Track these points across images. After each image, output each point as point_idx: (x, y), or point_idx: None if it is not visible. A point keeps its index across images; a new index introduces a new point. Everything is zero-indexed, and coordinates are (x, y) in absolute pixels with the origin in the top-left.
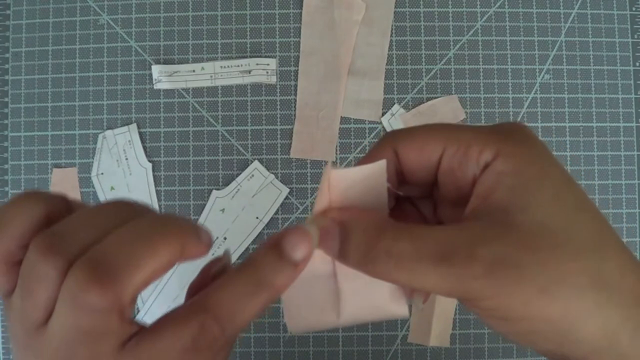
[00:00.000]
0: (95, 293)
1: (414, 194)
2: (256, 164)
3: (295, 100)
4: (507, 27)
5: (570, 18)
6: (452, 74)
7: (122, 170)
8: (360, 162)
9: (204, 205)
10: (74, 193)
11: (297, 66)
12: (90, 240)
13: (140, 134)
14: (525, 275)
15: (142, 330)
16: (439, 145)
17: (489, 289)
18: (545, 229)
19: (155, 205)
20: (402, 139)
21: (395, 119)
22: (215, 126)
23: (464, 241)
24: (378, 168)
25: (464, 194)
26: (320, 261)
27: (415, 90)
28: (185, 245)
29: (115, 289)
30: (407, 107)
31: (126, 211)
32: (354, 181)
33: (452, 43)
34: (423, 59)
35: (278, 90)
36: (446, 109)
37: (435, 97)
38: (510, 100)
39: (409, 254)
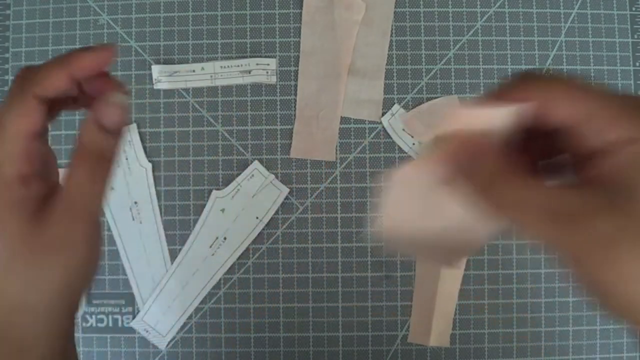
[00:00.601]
0: None
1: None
2: (256, 164)
3: (295, 100)
4: (507, 27)
5: (570, 18)
6: (452, 74)
7: (122, 170)
8: (493, 95)
9: (204, 205)
10: None
11: (297, 66)
12: None
13: (140, 134)
14: None
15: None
16: (588, 108)
17: (600, 264)
18: None
19: (155, 206)
20: (549, 89)
21: (395, 119)
22: (215, 126)
23: (588, 206)
24: (513, 112)
25: (582, 156)
26: (426, 173)
27: (415, 90)
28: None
29: None
30: (407, 107)
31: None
32: (487, 119)
33: (452, 43)
34: (423, 59)
35: (278, 90)
36: (446, 109)
37: (435, 97)
38: None
39: (528, 203)
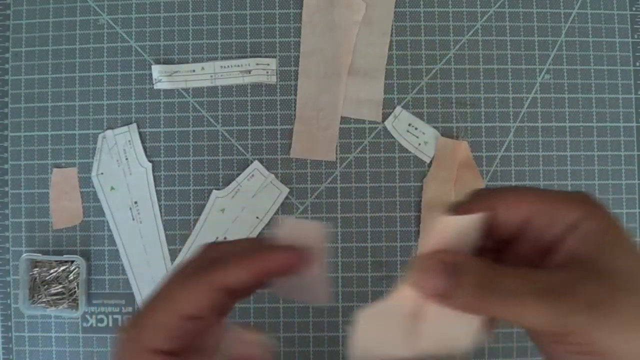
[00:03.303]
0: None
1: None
2: (256, 164)
3: (295, 100)
4: (507, 27)
5: (571, 18)
6: (452, 74)
7: (122, 170)
8: (455, 209)
9: (204, 205)
10: (74, 193)
11: (297, 66)
12: None
13: (140, 134)
14: (623, 314)
15: None
16: (533, 204)
17: (588, 323)
18: (634, 275)
19: (155, 206)
20: (499, 196)
21: (398, 121)
22: (215, 126)
23: (567, 281)
24: (478, 219)
25: (541, 249)
26: (406, 299)
27: (415, 90)
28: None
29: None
30: (407, 107)
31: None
32: (456, 228)
33: (452, 43)
34: (423, 59)
35: (278, 90)
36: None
37: (435, 97)
38: (510, 100)
39: (517, 289)
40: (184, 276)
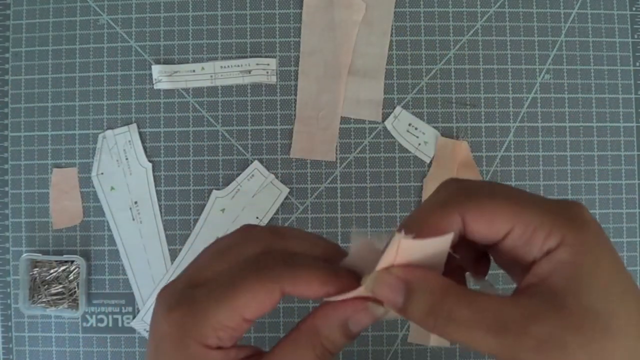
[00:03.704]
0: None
1: (468, 255)
2: (256, 164)
3: (295, 100)
4: (507, 27)
5: (571, 18)
6: (452, 74)
7: (122, 170)
8: (422, 212)
9: (204, 205)
10: (74, 193)
11: (297, 66)
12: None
13: (140, 134)
14: (569, 354)
15: (258, 355)
16: (508, 224)
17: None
18: (592, 313)
19: (155, 206)
20: (472, 209)
21: (398, 121)
22: (215, 126)
23: (518, 316)
24: (445, 240)
25: (517, 265)
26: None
27: (415, 90)
28: (273, 290)
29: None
30: (407, 107)
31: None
32: (420, 249)
33: (452, 43)
34: (423, 59)
35: (278, 90)
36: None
37: (435, 97)
38: (510, 100)
39: (468, 321)
40: (251, 274)
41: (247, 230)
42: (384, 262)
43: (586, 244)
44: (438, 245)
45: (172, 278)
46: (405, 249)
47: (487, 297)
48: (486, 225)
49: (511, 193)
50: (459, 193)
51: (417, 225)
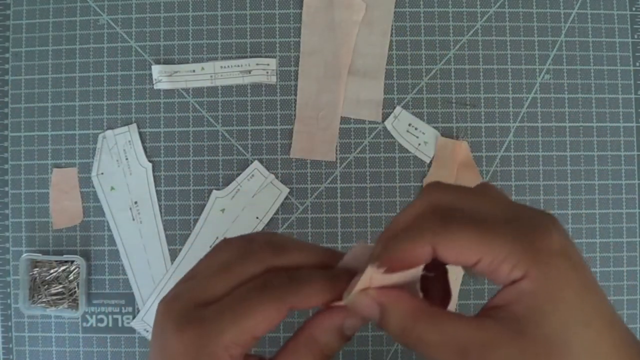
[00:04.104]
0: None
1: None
2: (256, 164)
3: (295, 100)
4: (507, 27)
5: (570, 18)
6: (452, 74)
7: (122, 170)
8: (394, 242)
9: (204, 205)
10: (74, 193)
11: (297, 66)
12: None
13: (140, 134)
14: None
15: None
16: (476, 256)
17: None
18: (550, 342)
19: (155, 206)
20: (441, 241)
21: (398, 121)
22: (215, 126)
23: (480, 342)
24: (415, 271)
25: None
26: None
27: (415, 90)
28: (281, 306)
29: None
30: (407, 107)
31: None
32: (391, 279)
33: (452, 43)
34: (423, 59)
35: (278, 90)
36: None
37: (435, 97)
38: (510, 100)
39: (436, 344)
40: (261, 295)
41: (246, 245)
42: (360, 285)
43: (549, 276)
44: (409, 274)
45: (172, 279)
46: (378, 279)
47: (455, 319)
48: (455, 256)
49: (486, 217)
50: (433, 218)
51: (389, 258)
